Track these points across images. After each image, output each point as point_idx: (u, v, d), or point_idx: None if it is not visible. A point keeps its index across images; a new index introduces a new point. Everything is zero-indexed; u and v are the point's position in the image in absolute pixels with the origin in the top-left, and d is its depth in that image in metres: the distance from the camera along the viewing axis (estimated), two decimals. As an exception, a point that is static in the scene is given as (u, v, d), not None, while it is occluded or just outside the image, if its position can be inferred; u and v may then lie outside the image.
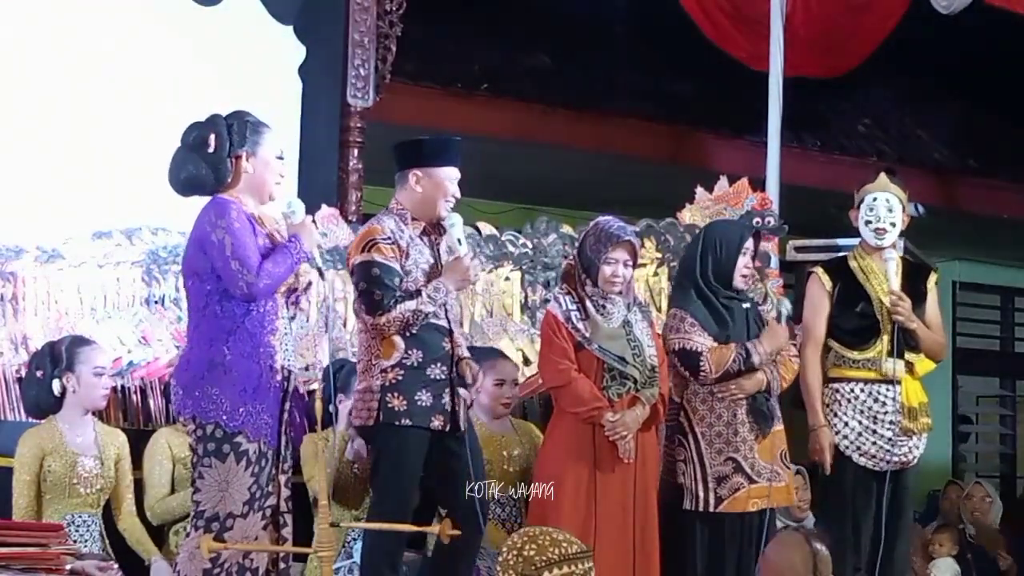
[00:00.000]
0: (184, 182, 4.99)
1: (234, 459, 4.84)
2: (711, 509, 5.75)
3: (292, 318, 5.10)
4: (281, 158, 5.10)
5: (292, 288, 5.06)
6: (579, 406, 5.54)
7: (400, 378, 5.21)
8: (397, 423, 5.20)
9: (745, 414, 5.79)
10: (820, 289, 6.15)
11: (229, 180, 4.96)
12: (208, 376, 4.85)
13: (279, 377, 4.95)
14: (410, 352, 5.23)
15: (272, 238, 5.02)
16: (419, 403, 5.22)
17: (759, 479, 5.76)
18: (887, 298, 6.03)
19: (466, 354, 5.39)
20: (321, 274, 5.15)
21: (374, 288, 5.20)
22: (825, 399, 6.09)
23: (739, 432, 5.79)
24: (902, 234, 6.32)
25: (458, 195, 5.38)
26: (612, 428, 5.51)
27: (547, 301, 6.29)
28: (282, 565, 5.05)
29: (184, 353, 4.98)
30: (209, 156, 4.95)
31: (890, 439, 6.02)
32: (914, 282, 6.18)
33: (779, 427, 5.88)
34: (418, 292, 5.23)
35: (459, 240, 5.33)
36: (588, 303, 5.62)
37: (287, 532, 4.99)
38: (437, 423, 5.25)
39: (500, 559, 3.92)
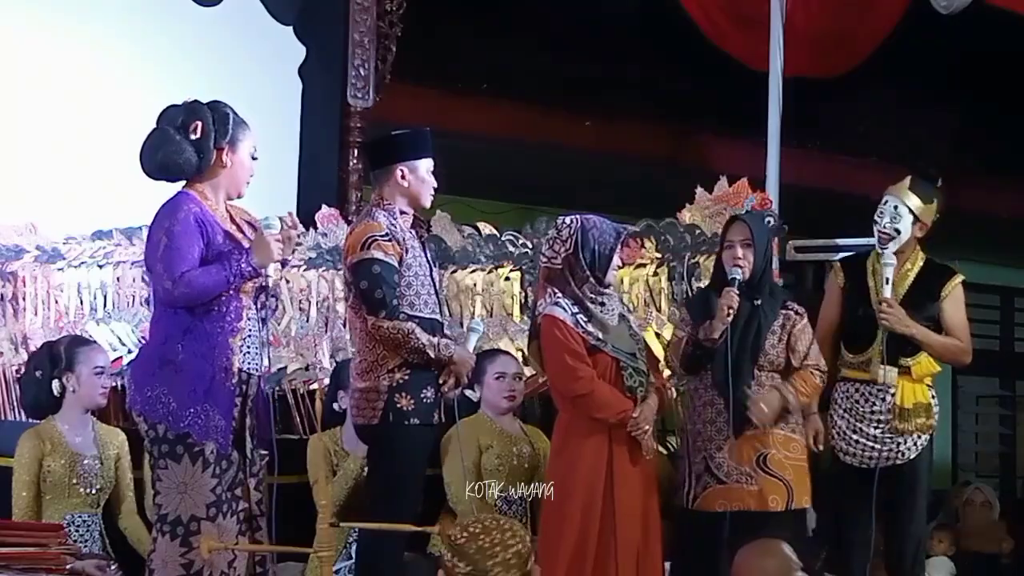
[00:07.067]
0: (160, 164, 4.87)
1: (189, 460, 4.75)
2: (690, 506, 5.74)
3: (264, 320, 4.95)
4: (255, 158, 5.00)
5: (262, 288, 4.93)
6: (605, 411, 5.43)
7: (407, 378, 5.19)
8: (406, 422, 5.19)
9: (717, 414, 5.71)
10: (833, 283, 6.12)
11: (209, 169, 4.88)
12: (159, 374, 4.77)
13: (235, 380, 4.82)
14: None
15: (232, 237, 4.89)
16: (425, 400, 5.22)
17: (727, 480, 5.67)
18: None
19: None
20: (266, 291, 4.96)
21: (376, 286, 5.14)
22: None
23: (709, 430, 5.72)
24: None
25: (435, 185, 5.41)
26: (635, 425, 5.44)
27: (547, 302, 6.24)
28: (258, 570, 4.97)
29: (143, 346, 4.88)
30: (195, 142, 4.85)
31: (875, 436, 5.94)
32: (929, 284, 6.06)
33: (763, 431, 5.67)
34: (440, 327, 5.30)
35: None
36: (587, 303, 5.50)
37: (261, 535, 4.92)
38: (437, 418, 5.29)
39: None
